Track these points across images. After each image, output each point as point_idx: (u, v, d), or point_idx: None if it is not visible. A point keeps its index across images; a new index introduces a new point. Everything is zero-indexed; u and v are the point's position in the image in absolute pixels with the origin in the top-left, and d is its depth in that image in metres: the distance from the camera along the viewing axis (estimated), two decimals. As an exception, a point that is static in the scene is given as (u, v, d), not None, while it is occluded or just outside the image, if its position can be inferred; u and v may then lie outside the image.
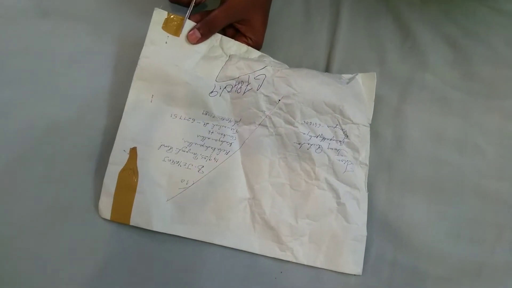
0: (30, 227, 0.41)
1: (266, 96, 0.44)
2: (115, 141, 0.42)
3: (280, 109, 0.44)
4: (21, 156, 0.43)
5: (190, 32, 0.43)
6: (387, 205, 0.44)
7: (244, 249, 0.42)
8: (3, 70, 0.46)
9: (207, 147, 0.44)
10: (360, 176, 0.44)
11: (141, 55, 0.43)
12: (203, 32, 0.43)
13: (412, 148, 0.46)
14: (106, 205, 0.41)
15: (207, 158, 0.43)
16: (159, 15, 0.43)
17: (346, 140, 0.44)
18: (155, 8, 0.43)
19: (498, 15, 0.51)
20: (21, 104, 0.45)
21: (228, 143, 0.44)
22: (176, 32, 0.44)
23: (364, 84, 0.46)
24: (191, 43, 0.44)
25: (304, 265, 0.42)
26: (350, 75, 0.46)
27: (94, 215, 0.42)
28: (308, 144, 0.44)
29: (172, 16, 0.44)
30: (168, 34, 0.44)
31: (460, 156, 0.45)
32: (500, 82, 0.48)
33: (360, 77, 0.46)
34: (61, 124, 0.45)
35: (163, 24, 0.44)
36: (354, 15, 0.51)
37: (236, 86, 0.45)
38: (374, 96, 0.46)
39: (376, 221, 0.43)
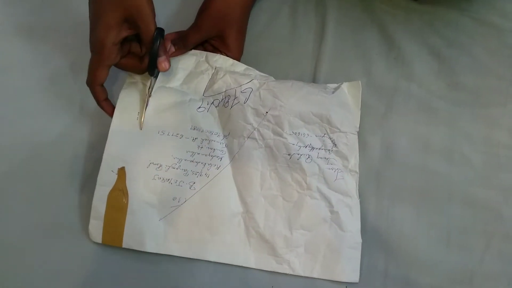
0: (16, 246, 0.40)
1: (254, 108, 0.44)
2: (102, 161, 0.41)
3: (268, 121, 0.44)
4: (6, 174, 0.43)
5: (161, 59, 0.41)
6: (377, 215, 0.44)
7: (240, 264, 0.41)
8: None
9: (197, 162, 0.43)
10: (351, 183, 0.44)
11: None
12: (178, 47, 0.44)
13: (399, 158, 0.46)
14: (96, 228, 0.40)
15: (198, 174, 0.43)
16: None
17: (334, 148, 0.45)
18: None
19: (479, 26, 0.52)
20: (6, 121, 0.45)
21: (218, 157, 0.44)
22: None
23: (349, 93, 0.46)
24: (163, 71, 0.41)
25: (297, 277, 0.41)
26: (335, 85, 0.47)
27: (81, 234, 0.41)
28: (298, 154, 0.44)
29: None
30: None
31: (447, 164, 0.46)
32: (484, 91, 0.49)
33: (345, 86, 0.47)
34: (46, 140, 0.44)
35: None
36: (339, 26, 0.52)
37: (223, 100, 0.45)
38: (360, 103, 0.46)
39: (367, 231, 0.43)
